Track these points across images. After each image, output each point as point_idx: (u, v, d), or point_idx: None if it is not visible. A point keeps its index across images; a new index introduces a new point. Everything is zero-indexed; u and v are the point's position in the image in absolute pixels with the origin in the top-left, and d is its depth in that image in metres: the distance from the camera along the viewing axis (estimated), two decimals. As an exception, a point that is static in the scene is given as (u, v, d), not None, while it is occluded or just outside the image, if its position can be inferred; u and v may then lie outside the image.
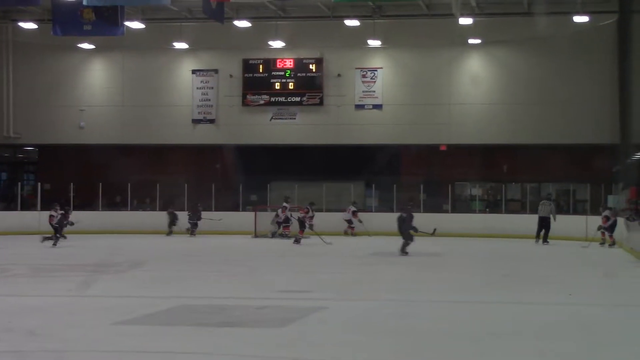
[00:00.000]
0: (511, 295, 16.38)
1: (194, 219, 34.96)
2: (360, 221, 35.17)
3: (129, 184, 38.38)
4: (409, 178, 38.99)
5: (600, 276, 20.56)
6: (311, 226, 30.97)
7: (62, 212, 29.68)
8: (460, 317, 13.20)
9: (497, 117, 38.98)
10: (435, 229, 26.98)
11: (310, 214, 31.72)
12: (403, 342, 10.87)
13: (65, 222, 29.16)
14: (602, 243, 29.26)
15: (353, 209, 35.87)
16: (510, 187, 39.58)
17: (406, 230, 24.80)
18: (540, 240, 30.65)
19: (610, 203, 34.76)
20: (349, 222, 35.82)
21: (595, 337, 11.37)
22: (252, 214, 35.88)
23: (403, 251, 24.60)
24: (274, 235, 33.96)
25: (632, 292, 17.53)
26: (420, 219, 35.29)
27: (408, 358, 9.77)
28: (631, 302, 15.76)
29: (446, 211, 37.70)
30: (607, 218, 28.99)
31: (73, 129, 41.68)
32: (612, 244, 28.92)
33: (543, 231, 30.85)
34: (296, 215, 31.80)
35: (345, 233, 35.67)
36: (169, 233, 35.26)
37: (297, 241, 30.16)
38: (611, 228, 28.97)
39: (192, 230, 34.90)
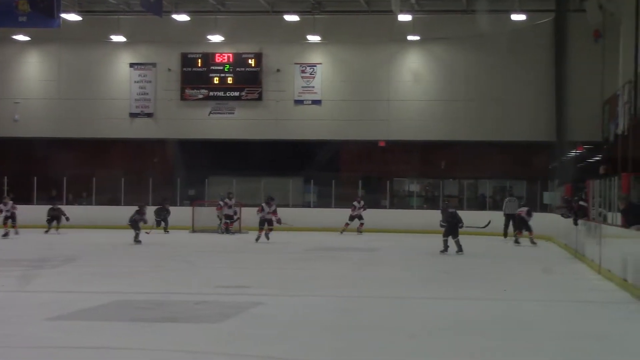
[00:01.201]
0: (448, 291, 16.53)
1: (161, 215, 34.02)
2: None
3: (65, 178, 38.09)
4: (348, 174, 39.17)
5: (535, 272, 20.79)
6: (278, 220, 29.12)
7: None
8: (398, 313, 13.29)
9: (436, 114, 39.27)
10: (489, 221, 28.16)
11: (272, 208, 29.27)
12: (339, 338, 10.89)
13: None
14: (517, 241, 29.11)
15: (362, 203, 34.58)
16: (447, 184, 39.93)
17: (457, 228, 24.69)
18: (510, 238, 30.50)
19: (546, 200, 35.21)
20: (359, 217, 34.19)
21: (528, 333, 11.48)
22: (189, 208, 35.80)
23: (460, 249, 24.26)
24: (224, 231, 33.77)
25: (566, 288, 17.77)
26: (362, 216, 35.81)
27: (343, 354, 9.79)
28: (565, 298, 15.98)
29: (384, 207, 37.89)
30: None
31: (8, 122, 41.26)
32: (517, 241, 28.97)
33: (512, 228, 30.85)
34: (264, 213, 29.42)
35: (343, 229, 34.15)
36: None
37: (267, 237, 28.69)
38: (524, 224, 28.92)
39: (165, 226, 33.80)
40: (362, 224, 34.03)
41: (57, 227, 32.80)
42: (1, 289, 15.81)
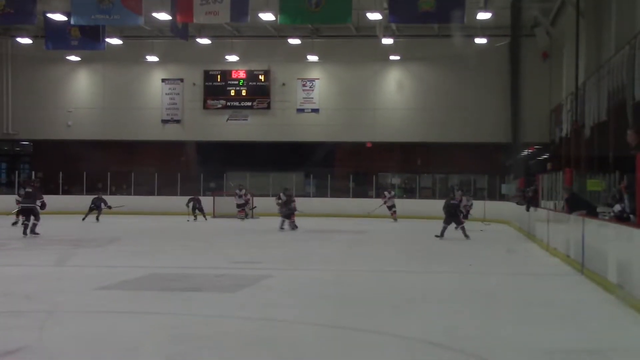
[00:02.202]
0: (424, 266, 16.54)
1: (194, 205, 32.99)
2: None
3: (109, 173, 38.25)
4: (341, 169, 39.18)
5: (496, 250, 20.80)
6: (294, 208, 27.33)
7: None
8: (383, 285, 13.29)
9: (413, 120, 39.28)
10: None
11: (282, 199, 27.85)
12: (335, 306, 10.90)
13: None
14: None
15: (392, 193, 33.94)
16: (423, 177, 39.93)
17: (459, 217, 23.42)
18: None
19: (504, 191, 35.19)
20: (391, 207, 32.99)
21: (492, 301, 11.51)
22: (211, 198, 35.86)
23: (466, 235, 22.79)
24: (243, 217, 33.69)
25: (521, 263, 17.80)
26: (353, 204, 35.89)
27: (338, 319, 9.79)
28: (520, 271, 16.00)
29: (371, 197, 37.85)
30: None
31: (62, 127, 41.31)
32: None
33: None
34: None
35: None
36: (195, 218, 32.34)
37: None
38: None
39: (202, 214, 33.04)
40: (394, 212, 32.77)
41: (98, 215, 30.97)
42: (55, 264, 15.84)
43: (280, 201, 27.90)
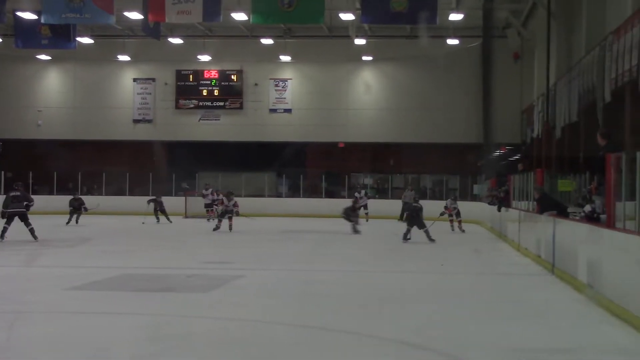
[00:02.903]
0: (395, 265, 16.59)
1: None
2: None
3: (80, 173, 37.98)
4: (313, 169, 39.26)
5: (467, 250, 20.88)
6: (237, 212, 26.42)
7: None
8: (353, 284, 13.31)
9: (385, 120, 39.38)
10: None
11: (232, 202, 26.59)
12: (306, 305, 10.91)
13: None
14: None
15: (363, 192, 32.79)
16: (395, 178, 40.01)
17: (421, 220, 21.92)
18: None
19: (476, 191, 35.37)
20: (364, 207, 31.12)
21: (463, 300, 11.56)
22: (183, 198, 35.71)
23: (430, 239, 21.60)
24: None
25: (492, 262, 17.89)
26: (325, 204, 35.87)
27: (309, 318, 9.80)
28: (491, 271, 16.10)
29: (343, 197, 37.79)
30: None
31: (32, 127, 41.07)
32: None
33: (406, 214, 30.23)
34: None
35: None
36: (157, 220, 31.08)
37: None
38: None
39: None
40: (367, 213, 31.44)
41: (77, 218, 29.18)
42: (25, 264, 15.72)
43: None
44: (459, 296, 11.93)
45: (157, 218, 31.08)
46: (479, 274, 15.12)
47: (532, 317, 10.08)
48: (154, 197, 32.01)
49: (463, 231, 26.65)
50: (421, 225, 22.01)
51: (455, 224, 27.14)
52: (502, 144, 37.26)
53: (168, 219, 30.95)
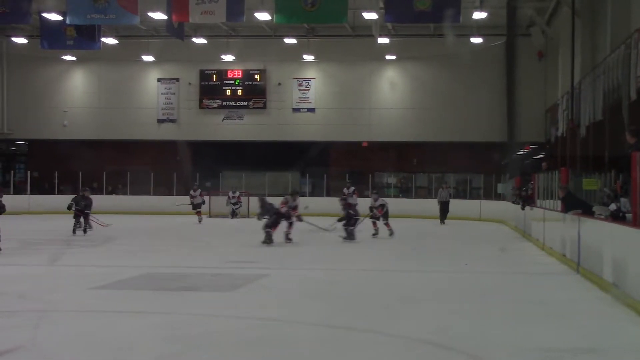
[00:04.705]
0: (418, 265, 16.53)
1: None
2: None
3: (104, 173, 38.20)
4: (337, 169, 39.20)
5: (491, 249, 20.79)
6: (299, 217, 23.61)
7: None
8: (376, 284, 13.29)
9: (409, 119, 39.27)
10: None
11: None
12: (328, 305, 10.89)
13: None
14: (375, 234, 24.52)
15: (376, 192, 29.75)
16: (419, 177, 39.90)
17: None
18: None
19: (500, 190, 35.23)
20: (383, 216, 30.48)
21: (486, 299, 11.50)
22: (207, 198, 35.71)
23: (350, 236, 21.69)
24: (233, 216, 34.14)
25: (516, 262, 17.79)
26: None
27: (332, 318, 9.79)
28: (515, 270, 16.00)
29: (367, 196, 37.77)
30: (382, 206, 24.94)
31: (57, 127, 41.24)
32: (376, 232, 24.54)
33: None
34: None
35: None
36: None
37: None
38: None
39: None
40: (386, 223, 30.37)
41: (86, 223, 24.31)
42: (49, 263, 15.82)
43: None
44: (483, 295, 11.87)
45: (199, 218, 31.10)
46: (503, 273, 15.05)
47: (557, 316, 10.01)
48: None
49: (392, 233, 24.02)
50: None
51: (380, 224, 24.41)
52: (526, 142, 37.08)
53: (199, 219, 30.99)
